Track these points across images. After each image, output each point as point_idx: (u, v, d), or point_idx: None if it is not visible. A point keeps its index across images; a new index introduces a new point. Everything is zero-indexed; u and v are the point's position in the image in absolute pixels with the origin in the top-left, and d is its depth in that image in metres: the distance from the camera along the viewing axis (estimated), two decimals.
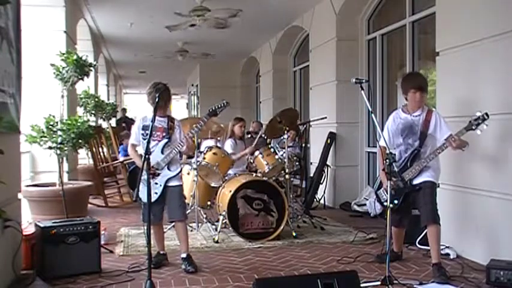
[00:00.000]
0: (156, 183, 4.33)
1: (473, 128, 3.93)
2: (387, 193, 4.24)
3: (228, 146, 6.34)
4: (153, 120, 3.93)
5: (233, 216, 5.28)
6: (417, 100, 4.20)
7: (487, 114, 3.90)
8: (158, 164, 4.33)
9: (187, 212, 5.90)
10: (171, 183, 4.39)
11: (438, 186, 4.98)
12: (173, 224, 5.15)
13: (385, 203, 4.36)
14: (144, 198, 4.06)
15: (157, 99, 4.06)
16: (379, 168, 4.49)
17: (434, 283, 3.90)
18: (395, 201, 4.23)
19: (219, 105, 4.47)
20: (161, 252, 4.60)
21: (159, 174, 4.34)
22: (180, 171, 4.50)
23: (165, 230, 5.30)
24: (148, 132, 4.24)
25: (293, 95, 11.33)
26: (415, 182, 4.20)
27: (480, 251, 4.43)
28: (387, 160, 3.88)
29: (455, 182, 4.82)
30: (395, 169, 3.87)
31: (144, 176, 4.11)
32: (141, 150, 4.35)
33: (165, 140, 4.38)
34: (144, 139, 4.25)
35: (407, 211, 4.41)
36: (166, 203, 4.43)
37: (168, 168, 4.37)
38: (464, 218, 4.70)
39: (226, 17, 8.21)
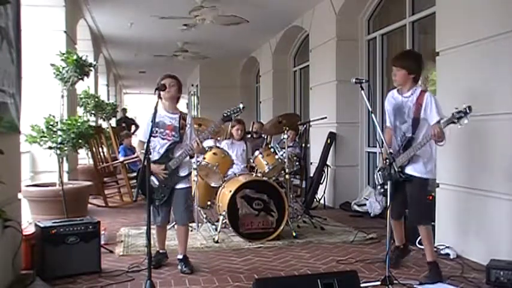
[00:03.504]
0: (164, 186, 4.23)
1: (455, 121, 3.71)
2: (382, 177, 4.22)
3: (223, 146, 6.30)
4: (153, 120, 3.80)
5: (233, 216, 5.29)
6: (394, 77, 4.09)
7: (469, 107, 3.67)
8: (168, 166, 4.21)
9: None
10: (178, 186, 4.29)
11: (438, 186, 5.01)
12: (173, 224, 5.13)
13: (378, 186, 4.30)
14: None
15: (158, 95, 3.93)
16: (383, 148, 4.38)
17: (427, 284, 3.90)
18: (385, 186, 4.12)
19: (235, 110, 4.21)
20: (161, 251, 4.55)
21: (166, 175, 4.21)
22: (190, 174, 4.37)
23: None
24: (157, 129, 4.18)
25: (293, 95, 11.33)
26: (406, 170, 4.01)
27: (480, 251, 4.43)
28: (387, 160, 3.87)
29: (455, 182, 4.82)
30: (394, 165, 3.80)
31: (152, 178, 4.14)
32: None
33: (175, 141, 4.23)
34: (154, 136, 4.15)
35: (398, 200, 4.11)
36: (172, 205, 4.36)
37: (177, 171, 4.25)
38: (464, 218, 4.70)
39: (229, 23, 8.20)
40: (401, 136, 4.09)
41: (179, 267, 4.33)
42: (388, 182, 3.80)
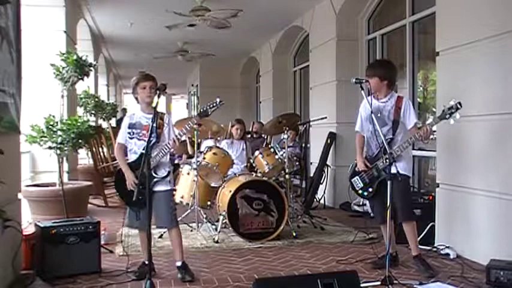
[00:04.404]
0: (141, 187, 3.93)
1: (447, 117, 3.81)
2: (361, 181, 4.33)
3: (222, 146, 6.30)
4: (153, 120, 3.76)
5: (233, 216, 5.29)
6: (372, 88, 4.20)
7: (460, 103, 3.79)
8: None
9: (187, 212, 5.92)
10: (157, 188, 4.03)
11: (438, 186, 5.02)
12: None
13: (359, 191, 4.36)
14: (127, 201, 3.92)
15: (157, 95, 3.84)
16: (358, 154, 4.43)
17: (434, 283, 3.90)
18: (370, 189, 4.25)
19: (211, 105, 4.11)
20: (147, 262, 3.91)
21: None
22: (168, 175, 4.10)
23: (165, 231, 5.31)
24: (133, 130, 4.08)
25: (293, 95, 11.33)
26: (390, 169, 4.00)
27: (480, 251, 4.43)
28: (387, 160, 3.88)
29: (455, 182, 4.82)
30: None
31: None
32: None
33: (153, 140, 3.95)
34: (131, 138, 4.08)
35: (383, 203, 4.09)
36: (153, 210, 4.01)
37: (155, 172, 4.02)
38: (464, 218, 4.70)
39: (226, 17, 8.19)
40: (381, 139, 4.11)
41: (179, 275, 4.08)
42: (388, 182, 3.80)
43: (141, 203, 3.93)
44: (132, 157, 4.12)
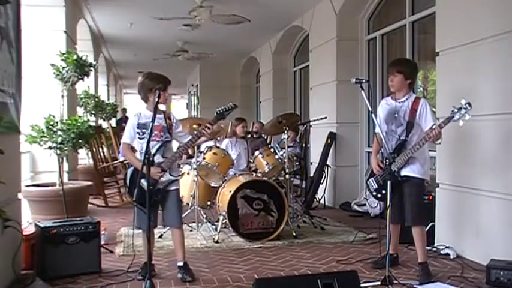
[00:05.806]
0: (157, 189, 3.98)
1: (456, 118, 3.78)
2: (375, 183, 4.28)
3: (224, 145, 6.32)
4: (153, 120, 3.75)
5: (233, 216, 5.29)
6: (390, 83, 4.21)
7: (469, 104, 3.74)
8: (161, 167, 4.00)
9: (187, 212, 5.92)
10: (170, 188, 4.08)
11: (438, 186, 5.02)
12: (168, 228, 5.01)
13: (373, 192, 4.32)
14: (141, 202, 3.86)
15: (157, 95, 3.87)
16: (372, 155, 4.43)
17: (434, 283, 3.90)
18: (383, 191, 4.19)
19: (227, 108, 4.16)
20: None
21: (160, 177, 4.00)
22: (182, 174, 4.25)
23: (165, 230, 5.32)
24: (144, 130, 4.01)
25: (293, 95, 11.33)
26: (403, 172, 4.07)
27: (480, 251, 4.43)
28: (387, 160, 3.88)
29: (455, 182, 4.82)
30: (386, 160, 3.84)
31: (142, 180, 3.88)
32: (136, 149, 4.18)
33: (166, 141, 4.06)
34: (141, 138, 4.01)
35: (397, 205, 4.10)
36: (163, 208, 4.12)
37: (170, 173, 4.05)
38: (464, 218, 4.70)
39: (232, 23, 8.19)
40: (396, 139, 4.13)
41: (179, 275, 4.08)
42: (388, 182, 3.79)
43: (155, 203, 3.99)
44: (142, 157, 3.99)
